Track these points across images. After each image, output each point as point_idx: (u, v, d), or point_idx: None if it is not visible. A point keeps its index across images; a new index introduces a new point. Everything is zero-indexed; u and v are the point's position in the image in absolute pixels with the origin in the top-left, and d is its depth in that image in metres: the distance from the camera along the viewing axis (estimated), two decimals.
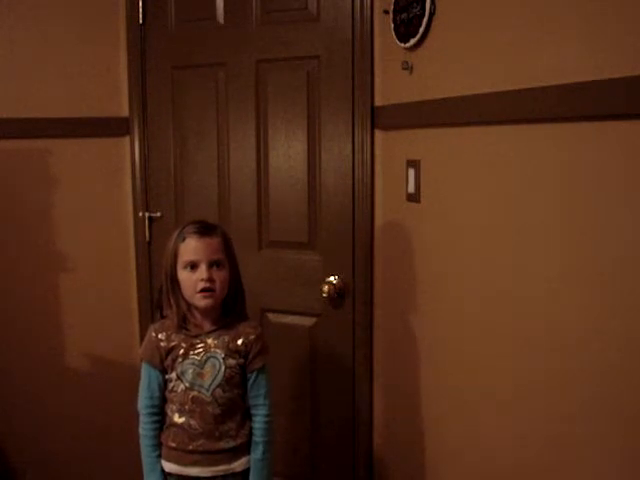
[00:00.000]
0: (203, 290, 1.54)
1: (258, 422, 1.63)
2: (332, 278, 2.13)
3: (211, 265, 1.55)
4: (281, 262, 2.23)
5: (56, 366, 2.38)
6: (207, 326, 1.61)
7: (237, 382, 1.60)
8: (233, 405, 1.60)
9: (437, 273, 1.70)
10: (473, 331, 1.53)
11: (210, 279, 1.54)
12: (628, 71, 1.01)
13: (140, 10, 2.30)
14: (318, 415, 2.24)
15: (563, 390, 1.23)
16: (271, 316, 2.27)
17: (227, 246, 1.60)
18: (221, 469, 1.59)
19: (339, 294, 2.12)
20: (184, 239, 1.56)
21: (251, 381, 1.62)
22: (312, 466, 2.28)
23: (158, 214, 2.39)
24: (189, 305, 1.59)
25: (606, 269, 1.10)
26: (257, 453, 1.63)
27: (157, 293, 1.69)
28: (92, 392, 2.43)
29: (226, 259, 1.58)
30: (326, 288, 2.09)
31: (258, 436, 1.63)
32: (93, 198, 2.39)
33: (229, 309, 1.63)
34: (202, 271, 1.53)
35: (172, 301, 1.59)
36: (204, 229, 1.57)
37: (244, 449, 1.63)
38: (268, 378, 1.66)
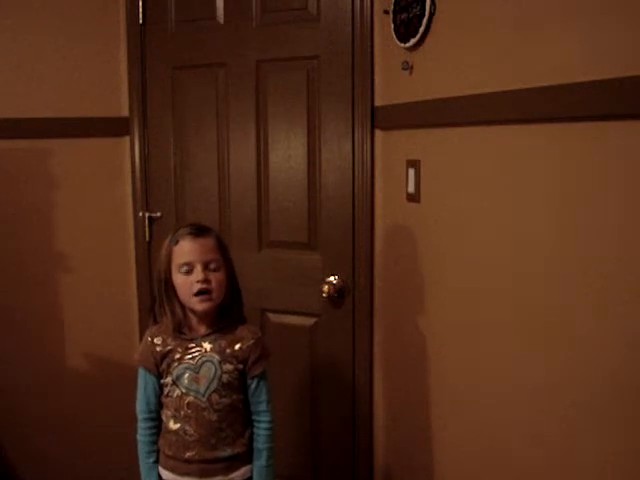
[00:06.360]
0: (200, 292, 1.51)
1: (261, 429, 1.61)
2: (332, 278, 2.13)
3: (206, 266, 1.52)
4: (281, 262, 2.23)
5: (56, 366, 2.38)
6: (203, 330, 1.58)
7: (236, 387, 1.57)
8: (232, 411, 1.57)
9: (437, 273, 1.70)
10: (474, 330, 1.53)
11: (206, 280, 1.51)
12: (627, 71, 1.01)
13: (140, 10, 2.30)
14: (318, 415, 2.24)
15: (564, 387, 1.23)
16: (271, 316, 2.27)
17: (222, 247, 1.57)
18: None
19: (339, 294, 2.12)
20: (177, 242, 1.53)
21: (252, 388, 1.60)
22: (312, 466, 2.28)
23: (158, 214, 2.39)
24: (185, 310, 1.57)
25: (607, 268, 1.10)
26: (261, 460, 1.60)
27: (151, 301, 1.66)
28: (92, 392, 2.43)
29: (222, 260, 1.55)
30: (326, 288, 2.09)
31: (261, 443, 1.60)
32: (93, 198, 2.38)
33: (226, 313, 1.60)
34: (197, 272, 1.51)
35: (167, 308, 1.56)
36: (197, 230, 1.55)
37: (243, 458, 1.60)
38: (269, 384, 1.63)
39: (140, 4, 2.30)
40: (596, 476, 1.15)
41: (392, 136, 1.96)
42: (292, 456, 2.27)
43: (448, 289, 1.64)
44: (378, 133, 2.02)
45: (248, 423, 1.62)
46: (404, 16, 1.72)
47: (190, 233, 1.54)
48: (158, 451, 1.62)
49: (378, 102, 2.00)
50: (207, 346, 1.56)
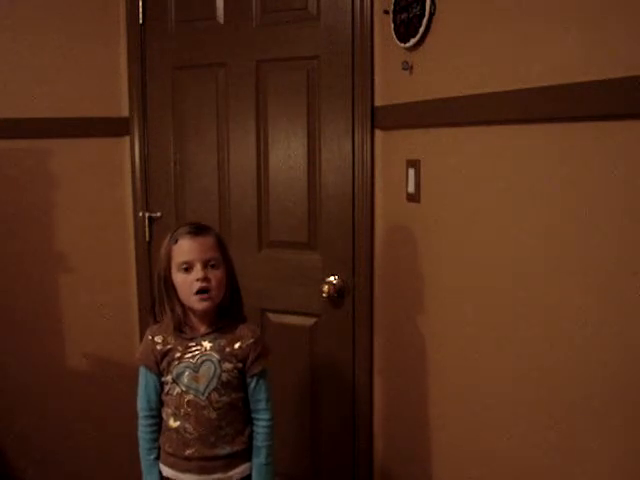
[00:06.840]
0: (200, 291, 1.51)
1: (260, 427, 1.61)
2: (332, 278, 2.13)
3: (206, 265, 1.52)
4: (281, 262, 2.23)
5: (56, 366, 2.38)
6: (203, 329, 1.58)
7: (236, 386, 1.58)
8: (232, 409, 1.58)
9: (437, 273, 1.70)
10: (473, 330, 1.53)
11: (206, 279, 1.51)
12: (627, 71, 1.01)
13: (140, 10, 2.30)
14: (318, 415, 2.24)
15: (564, 387, 1.23)
16: (271, 316, 2.27)
17: (221, 246, 1.57)
18: (215, 478, 1.57)
19: (339, 294, 2.12)
20: (177, 241, 1.54)
21: (252, 386, 1.60)
22: (312, 466, 2.28)
23: (158, 214, 2.39)
24: (185, 309, 1.57)
25: (607, 268, 1.10)
26: (260, 458, 1.60)
27: (151, 300, 1.66)
28: (92, 392, 2.43)
29: (221, 259, 1.56)
30: (326, 288, 2.09)
31: (260, 441, 1.61)
32: (93, 198, 2.38)
33: (226, 312, 1.60)
34: (197, 271, 1.51)
35: (167, 307, 1.56)
36: (197, 229, 1.55)
37: (242, 456, 1.60)
38: (269, 382, 1.63)
39: (140, 4, 2.30)
40: (596, 476, 1.15)
41: (392, 136, 1.96)
42: (292, 456, 2.27)
43: (448, 289, 1.64)
44: (378, 133, 2.02)
45: (248, 421, 1.62)
46: (404, 16, 1.72)
47: (189, 232, 1.54)
48: (159, 448, 1.62)
49: (378, 102, 2.00)
50: (207, 345, 1.57)
